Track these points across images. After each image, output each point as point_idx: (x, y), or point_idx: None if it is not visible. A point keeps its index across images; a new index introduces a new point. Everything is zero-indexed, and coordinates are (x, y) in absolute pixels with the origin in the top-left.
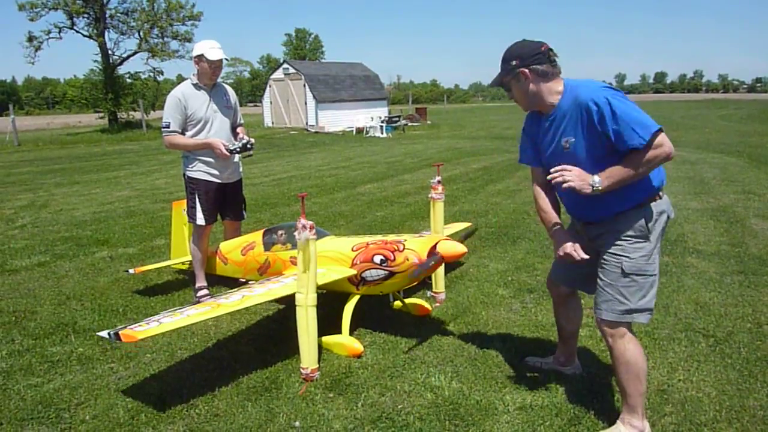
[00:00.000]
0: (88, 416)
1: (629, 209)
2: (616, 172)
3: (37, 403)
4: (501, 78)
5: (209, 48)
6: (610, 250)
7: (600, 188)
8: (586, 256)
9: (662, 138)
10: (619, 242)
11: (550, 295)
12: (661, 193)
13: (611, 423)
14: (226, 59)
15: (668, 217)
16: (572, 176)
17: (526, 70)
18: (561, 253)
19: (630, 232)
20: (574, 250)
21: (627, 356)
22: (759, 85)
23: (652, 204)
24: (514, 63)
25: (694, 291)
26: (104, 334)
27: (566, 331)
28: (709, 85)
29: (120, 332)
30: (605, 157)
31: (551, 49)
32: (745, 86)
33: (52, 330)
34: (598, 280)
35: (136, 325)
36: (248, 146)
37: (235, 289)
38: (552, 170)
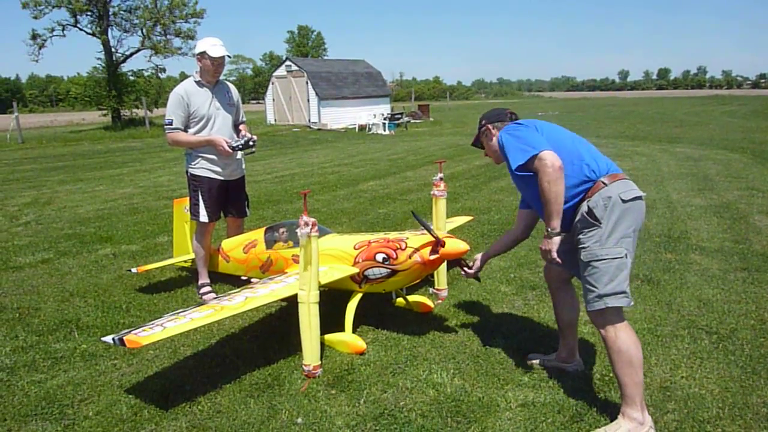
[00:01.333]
0: (92, 412)
1: (576, 205)
2: (545, 210)
3: (41, 399)
4: (476, 137)
5: (211, 45)
6: (576, 245)
7: (552, 230)
8: (555, 250)
9: (541, 159)
10: (578, 236)
11: (546, 283)
12: (605, 180)
13: (613, 420)
14: (229, 56)
15: (622, 200)
16: (544, 251)
17: (490, 126)
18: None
19: (581, 225)
20: (545, 246)
21: (618, 344)
22: (763, 81)
23: (596, 194)
24: (482, 122)
25: (697, 288)
26: (108, 339)
27: (564, 322)
28: (713, 81)
29: (124, 338)
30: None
31: (513, 113)
32: (749, 82)
33: (56, 326)
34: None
35: (139, 330)
36: (250, 143)
37: (238, 290)
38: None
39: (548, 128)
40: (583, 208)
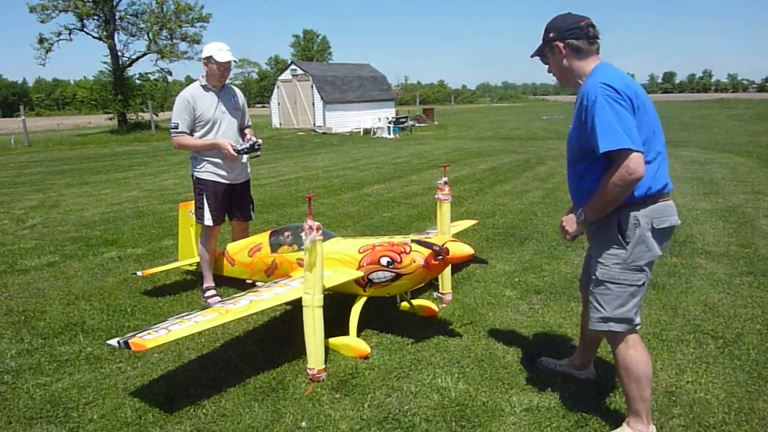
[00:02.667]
0: (96, 415)
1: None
2: (592, 201)
3: (46, 402)
4: (540, 49)
5: (218, 50)
6: (594, 256)
7: (584, 219)
8: (571, 231)
9: (630, 160)
10: (598, 247)
11: (581, 298)
12: (647, 201)
13: (618, 425)
14: (235, 61)
15: (654, 227)
16: (565, 226)
17: (561, 44)
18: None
19: (607, 235)
20: (565, 223)
21: (627, 361)
22: None
23: (633, 211)
24: (551, 35)
25: (702, 292)
26: (114, 342)
27: (588, 336)
28: (719, 84)
29: (129, 341)
30: (588, 153)
31: (592, 25)
32: (755, 86)
33: (61, 329)
34: None
35: (144, 333)
36: (256, 147)
37: (243, 294)
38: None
39: (644, 111)
40: (613, 218)
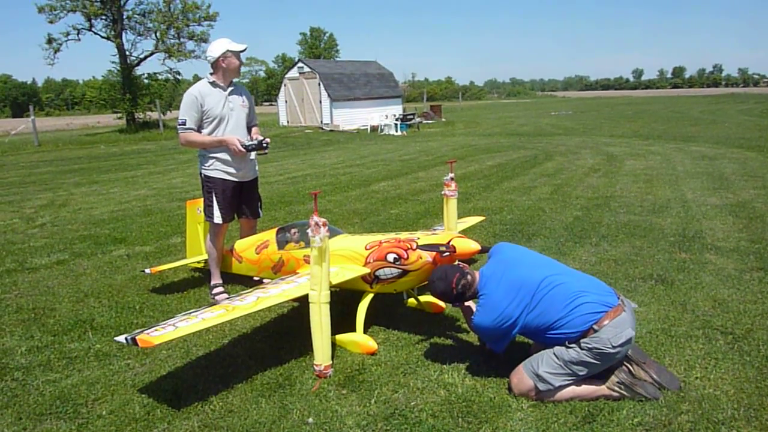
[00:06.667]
0: (105, 411)
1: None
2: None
3: (56, 398)
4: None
5: (229, 42)
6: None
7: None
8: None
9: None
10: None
11: None
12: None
13: (626, 420)
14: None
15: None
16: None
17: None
18: None
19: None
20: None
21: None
22: None
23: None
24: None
25: (712, 288)
26: (121, 339)
27: None
28: (729, 79)
29: (137, 337)
30: None
31: (462, 275)
32: (766, 80)
33: (71, 327)
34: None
35: (152, 329)
36: (264, 144)
37: (250, 290)
38: None
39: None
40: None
